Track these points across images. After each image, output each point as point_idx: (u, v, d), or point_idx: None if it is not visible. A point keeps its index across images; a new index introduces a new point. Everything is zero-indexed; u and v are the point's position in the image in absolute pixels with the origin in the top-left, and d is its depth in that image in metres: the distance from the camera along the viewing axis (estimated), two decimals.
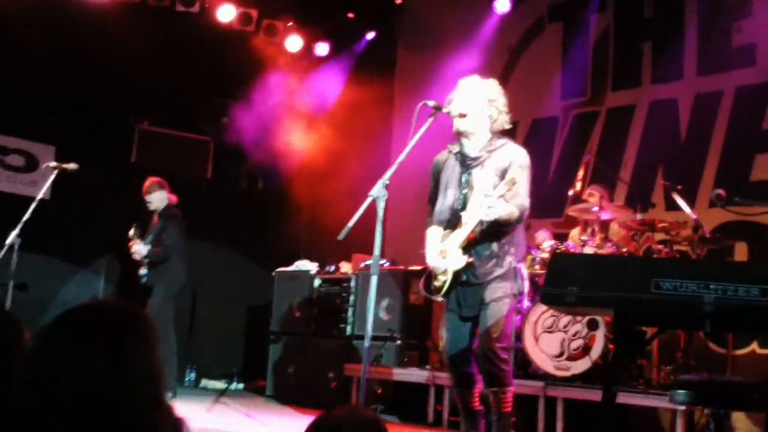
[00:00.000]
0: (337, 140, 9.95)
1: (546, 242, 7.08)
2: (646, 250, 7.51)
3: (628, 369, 6.22)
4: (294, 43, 10.38)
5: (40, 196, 6.82)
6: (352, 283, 8.48)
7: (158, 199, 8.07)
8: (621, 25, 8.84)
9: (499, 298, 4.60)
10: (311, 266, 9.03)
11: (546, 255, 6.83)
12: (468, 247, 4.60)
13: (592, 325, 6.36)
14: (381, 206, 4.08)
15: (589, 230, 7.23)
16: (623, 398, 5.68)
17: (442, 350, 7.10)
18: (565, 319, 6.48)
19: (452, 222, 4.69)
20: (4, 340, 2.16)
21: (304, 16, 10.34)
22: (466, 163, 4.73)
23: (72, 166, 7.01)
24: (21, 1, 8.59)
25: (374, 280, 4.07)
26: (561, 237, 7.64)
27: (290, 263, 9.21)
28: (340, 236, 4.09)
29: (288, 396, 8.49)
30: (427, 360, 7.88)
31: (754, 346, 7.24)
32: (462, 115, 4.65)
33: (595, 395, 5.71)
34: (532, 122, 9.27)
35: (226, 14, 9.82)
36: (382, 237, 4.15)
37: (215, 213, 9.83)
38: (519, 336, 6.54)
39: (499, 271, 4.61)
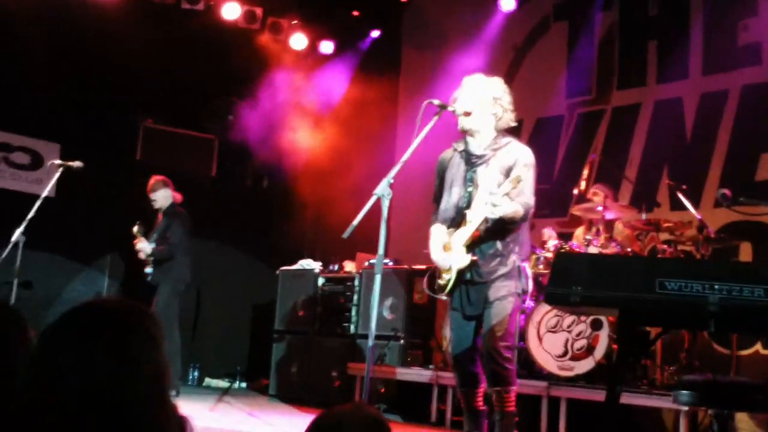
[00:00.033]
0: (341, 139, 9.95)
1: (550, 241, 7.06)
2: (650, 249, 7.50)
3: (632, 369, 6.21)
4: (299, 41, 10.37)
5: (45, 193, 6.83)
6: (356, 282, 8.48)
7: (163, 197, 8.08)
8: (626, 23, 8.82)
9: (504, 296, 4.60)
10: (315, 265, 9.03)
11: (550, 254, 6.82)
12: (472, 246, 4.59)
13: (596, 325, 6.35)
14: (385, 205, 4.08)
15: (594, 229, 7.22)
16: (627, 398, 5.66)
17: (445, 350, 7.12)
18: (568, 319, 6.47)
19: (457, 220, 4.69)
20: (8, 337, 2.16)
21: (309, 14, 10.33)
22: (471, 161, 4.73)
23: (77, 164, 7.02)
24: (26, 1, 8.60)
25: (378, 278, 4.07)
26: (566, 236, 7.62)
27: (295, 262, 9.21)
28: (345, 234, 4.09)
29: (291, 395, 8.49)
30: (430, 359, 7.88)
31: (758, 346, 7.22)
32: (467, 114, 4.65)
33: (599, 395, 5.70)
34: (537, 121, 9.26)
35: (231, 12, 9.82)
36: (386, 236, 4.15)
37: (219, 211, 9.83)
38: (522, 336, 6.52)
39: (503, 270, 4.60)
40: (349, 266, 8.92)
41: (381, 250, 4.11)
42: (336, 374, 8.17)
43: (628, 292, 2.66)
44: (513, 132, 4.93)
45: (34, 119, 9.18)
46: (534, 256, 6.81)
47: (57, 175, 7.09)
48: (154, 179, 8.12)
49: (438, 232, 4.80)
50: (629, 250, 6.95)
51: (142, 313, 1.65)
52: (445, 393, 7.03)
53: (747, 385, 3.50)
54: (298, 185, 10.18)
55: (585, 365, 6.34)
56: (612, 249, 6.79)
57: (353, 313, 8.41)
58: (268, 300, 9.38)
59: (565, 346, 6.47)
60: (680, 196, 6.82)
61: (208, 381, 9.94)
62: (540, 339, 6.59)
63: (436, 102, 4.48)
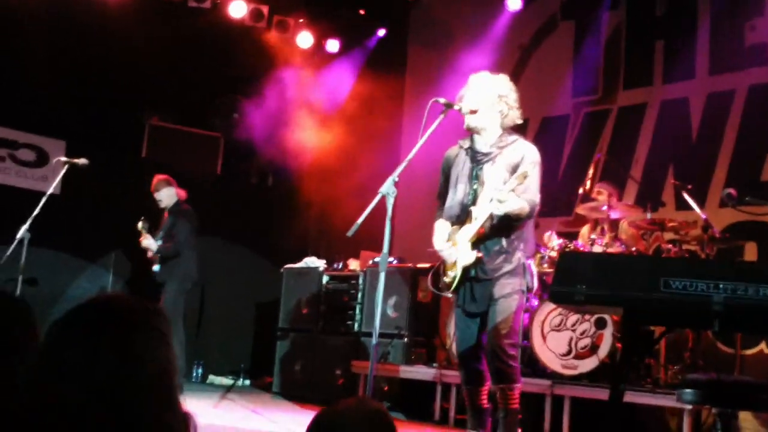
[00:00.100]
0: (347, 137, 9.95)
1: (554, 241, 7.05)
2: (655, 249, 7.49)
3: (636, 368, 6.21)
4: (305, 39, 10.38)
5: (50, 190, 6.84)
6: (360, 280, 8.47)
7: (167, 195, 8.08)
8: (633, 23, 8.81)
9: (508, 294, 4.60)
10: (319, 263, 9.03)
11: (554, 253, 6.82)
12: (477, 243, 4.60)
13: (600, 324, 6.35)
14: (390, 203, 4.09)
15: (599, 229, 7.22)
16: (630, 397, 5.67)
17: (449, 348, 7.12)
18: (573, 317, 6.47)
19: (461, 217, 4.69)
20: (14, 335, 2.15)
21: (315, 12, 10.34)
22: (476, 158, 4.73)
23: (82, 161, 7.03)
24: None
25: (382, 277, 4.07)
26: (570, 236, 7.62)
27: (299, 260, 9.21)
28: (350, 233, 4.10)
29: (294, 392, 8.49)
30: (434, 358, 7.88)
31: (762, 346, 7.21)
32: (473, 112, 4.65)
33: (602, 394, 5.70)
34: (543, 120, 9.25)
35: (238, 10, 9.83)
36: (390, 234, 4.15)
37: (224, 209, 9.83)
38: (527, 334, 6.53)
39: (508, 267, 4.61)
40: (354, 264, 8.92)
41: (385, 248, 4.11)
42: (340, 372, 8.17)
43: (632, 291, 2.66)
44: (519, 130, 4.94)
45: (39, 116, 9.20)
46: (539, 255, 6.81)
47: (62, 172, 7.10)
48: (156, 179, 8.11)
49: (442, 226, 4.80)
50: (634, 249, 6.95)
51: (147, 310, 1.63)
52: (448, 391, 7.02)
53: (751, 384, 3.50)
54: (303, 183, 10.19)
55: (589, 364, 6.34)
56: (617, 248, 6.79)
57: (357, 311, 8.41)
58: (272, 298, 9.38)
59: (569, 344, 6.47)
60: (685, 195, 6.81)
61: (211, 378, 9.95)
62: (544, 337, 6.59)
63: (442, 100, 4.49)
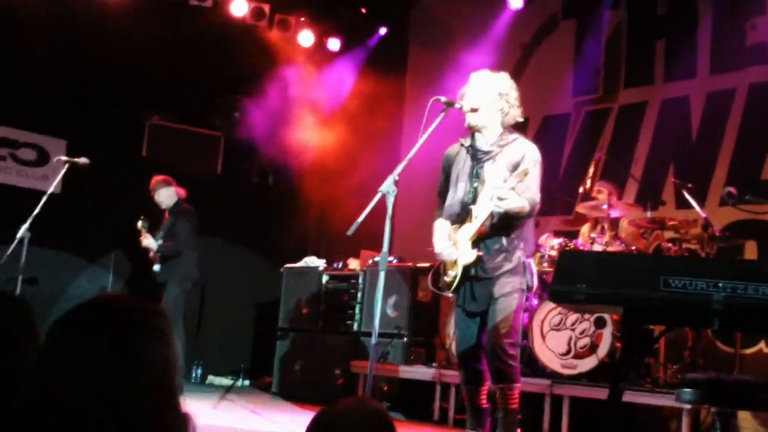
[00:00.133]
0: (347, 136, 9.94)
1: (554, 240, 7.05)
2: (655, 248, 7.49)
3: (636, 367, 6.21)
4: (306, 38, 10.38)
5: (50, 190, 6.84)
6: (360, 280, 8.47)
7: (166, 196, 8.07)
8: (634, 22, 8.81)
9: (508, 293, 4.60)
10: (319, 262, 9.02)
11: (554, 252, 6.81)
12: (478, 241, 4.59)
13: (599, 323, 6.35)
14: (390, 202, 4.09)
15: (599, 227, 7.22)
16: (629, 397, 5.66)
17: (449, 347, 7.12)
18: (572, 317, 6.46)
19: (462, 216, 4.69)
20: (14, 335, 2.15)
21: (316, 11, 10.33)
22: (477, 156, 4.72)
23: (83, 160, 7.03)
24: None
25: (382, 276, 4.07)
26: (571, 234, 7.62)
27: (299, 259, 9.21)
28: (349, 232, 4.10)
29: (294, 393, 8.48)
30: (433, 357, 7.87)
31: (761, 345, 7.21)
32: (473, 110, 4.65)
33: (602, 394, 5.70)
34: (544, 119, 9.25)
35: (239, 9, 9.83)
36: (390, 233, 4.15)
37: (224, 208, 9.83)
38: (526, 333, 6.52)
39: (508, 266, 4.60)
40: (353, 264, 8.91)
41: (385, 247, 4.11)
42: (339, 372, 8.17)
43: (632, 290, 2.66)
44: (520, 129, 4.93)
45: (40, 115, 9.19)
46: (538, 254, 6.81)
47: (63, 171, 7.10)
48: (154, 180, 8.08)
49: (442, 226, 4.80)
50: (634, 248, 6.95)
51: (148, 310, 1.62)
52: (448, 391, 7.02)
53: (750, 383, 3.50)
54: (303, 183, 10.19)
55: (588, 363, 6.34)
56: (617, 247, 6.78)
57: (357, 310, 8.41)
58: (272, 298, 9.38)
59: (569, 344, 6.46)
60: (686, 194, 6.81)
61: (211, 379, 9.94)
62: (543, 337, 6.58)
63: (443, 99, 4.49)
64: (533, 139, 5.81)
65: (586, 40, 9.12)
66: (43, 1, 8.65)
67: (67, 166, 7.07)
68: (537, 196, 4.59)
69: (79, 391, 1.38)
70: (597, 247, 6.75)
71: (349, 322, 8.42)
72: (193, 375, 9.86)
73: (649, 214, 6.92)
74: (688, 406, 5.46)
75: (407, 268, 8.09)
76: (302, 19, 10.30)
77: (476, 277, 4.63)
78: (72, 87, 9.00)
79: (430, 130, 4.33)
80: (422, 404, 7.28)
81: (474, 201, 4.64)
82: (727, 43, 8.01)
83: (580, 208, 7.37)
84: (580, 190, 7.32)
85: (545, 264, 6.84)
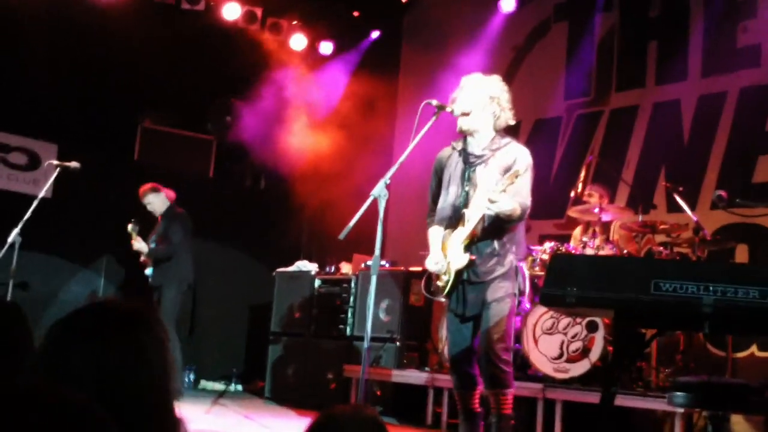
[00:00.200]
0: (340, 140, 9.93)
1: (546, 243, 7.06)
2: (647, 251, 7.50)
3: (628, 371, 6.21)
4: (299, 41, 10.38)
5: (41, 194, 6.82)
6: (352, 284, 8.46)
7: (158, 202, 8.05)
8: (626, 25, 8.82)
9: (501, 298, 4.59)
10: (311, 266, 9.02)
11: (546, 256, 6.82)
12: (470, 245, 4.59)
13: (592, 327, 6.35)
14: (382, 206, 4.08)
15: (591, 231, 7.23)
16: (622, 400, 5.66)
17: (441, 352, 7.12)
18: (564, 320, 6.47)
19: (453, 220, 4.68)
20: (14, 335, 2.17)
21: (308, 14, 10.33)
22: (469, 160, 4.71)
23: (74, 164, 7.01)
24: (25, 0, 8.59)
25: (374, 280, 4.06)
26: (562, 238, 7.63)
27: (291, 263, 9.20)
28: (341, 236, 4.09)
29: (287, 397, 8.47)
30: (426, 362, 7.87)
31: (753, 348, 7.22)
32: (465, 114, 4.65)
33: (594, 397, 5.68)
34: (536, 122, 9.25)
35: (231, 12, 9.82)
36: (382, 237, 4.15)
37: (216, 212, 9.81)
38: (518, 338, 6.52)
39: (500, 270, 4.60)
40: (346, 268, 8.91)
41: (377, 251, 4.11)
42: (332, 376, 8.16)
43: (622, 293, 2.66)
44: (511, 132, 4.93)
45: (31, 119, 9.16)
46: (530, 258, 6.82)
47: (54, 175, 7.07)
48: (142, 190, 8.05)
49: (437, 235, 4.78)
50: (625, 251, 6.96)
51: (148, 314, 1.66)
52: (441, 395, 7.01)
53: (742, 386, 3.50)
54: (295, 186, 10.17)
55: (580, 367, 6.34)
56: (608, 250, 6.79)
57: (349, 314, 8.40)
58: (265, 302, 9.37)
59: (561, 348, 6.46)
60: (677, 197, 6.82)
61: (203, 383, 9.90)
62: (536, 341, 6.58)
63: (435, 102, 4.49)
64: (525, 142, 5.82)
65: (578, 43, 9.13)
66: (33, 6, 8.62)
67: (58, 170, 7.04)
68: (528, 200, 4.59)
69: (79, 392, 1.40)
70: (588, 251, 6.75)
71: (342, 326, 8.41)
72: (186, 380, 9.82)
73: (640, 217, 6.93)
74: (681, 410, 5.46)
75: (399, 272, 8.08)
76: (294, 22, 10.30)
77: (468, 281, 4.62)
78: (63, 91, 8.98)
79: (421, 133, 4.33)
80: (415, 408, 7.27)
81: (466, 205, 4.63)
82: (719, 46, 8.02)
83: (572, 212, 7.39)
84: (572, 193, 7.33)
85: (537, 268, 6.85)
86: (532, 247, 7.01)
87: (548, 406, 6.26)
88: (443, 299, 4.82)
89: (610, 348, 6.12)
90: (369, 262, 7.82)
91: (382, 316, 7.92)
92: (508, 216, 4.47)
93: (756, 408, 3.61)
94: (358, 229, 4.10)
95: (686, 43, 8.24)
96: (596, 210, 6.99)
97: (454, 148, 4.84)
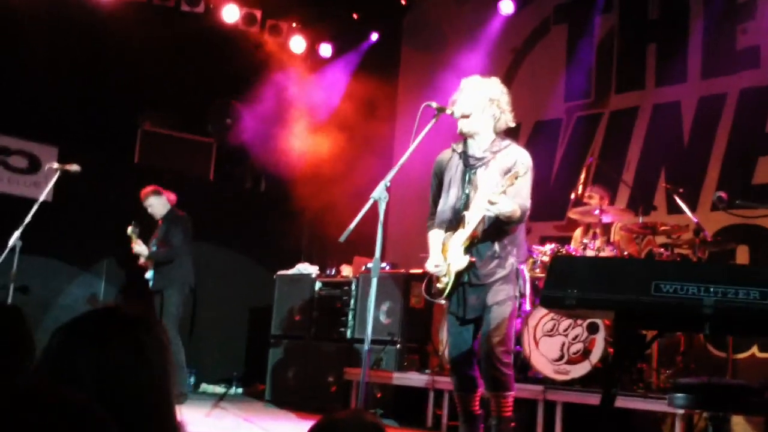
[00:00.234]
0: (340, 142, 9.93)
1: (546, 245, 7.06)
2: (647, 253, 7.50)
3: (628, 372, 6.21)
4: (298, 43, 10.38)
5: (42, 197, 6.82)
6: (353, 287, 8.45)
7: (159, 205, 8.07)
8: (626, 26, 8.82)
9: (502, 300, 4.59)
10: (312, 269, 9.01)
11: (547, 258, 6.82)
12: (470, 247, 4.59)
13: (592, 329, 6.35)
14: (382, 208, 4.08)
15: (591, 232, 7.23)
16: (622, 402, 5.66)
17: (442, 354, 7.11)
18: (565, 322, 6.46)
19: (454, 222, 4.68)
20: (16, 335, 2.18)
21: (308, 16, 10.33)
22: (470, 163, 4.72)
23: (74, 167, 7.02)
24: (25, 2, 8.60)
25: (374, 283, 4.07)
26: (563, 240, 7.63)
27: (292, 266, 9.19)
28: (341, 238, 4.10)
29: (287, 400, 8.46)
30: (427, 364, 7.86)
31: (754, 349, 7.21)
32: (465, 116, 4.65)
33: (595, 399, 5.67)
34: (536, 124, 9.25)
35: (231, 15, 9.82)
36: (383, 240, 4.15)
37: (217, 215, 9.81)
38: (519, 339, 6.52)
39: (501, 273, 4.60)
40: (346, 270, 8.90)
41: (377, 253, 4.11)
42: (332, 379, 8.15)
43: (623, 295, 2.66)
44: (511, 134, 4.94)
45: (31, 122, 9.17)
46: (531, 260, 6.81)
47: (54, 178, 7.08)
48: (144, 192, 8.07)
49: (437, 239, 4.78)
50: (626, 253, 6.96)
51: (151, 318, 1.68)
52: (441, 397, 7.00)
53: (742, 387, 3.50)
54: (295, 188, 10.16)
55: (581, 369, 6.33)
56: (609, 252, 6.79)
57: (350, 317, 8.39)
58: (265, 304, 9.36)
59: (562, 349, 6.46)
60: (677, 199, 6.82)
61: (204, 386, 9.89)
62: (536, 343, 6.58)
63: (434, 105, 4.49)
64: (525, 144, 5.84)
65: (577, 45, 9.13)
66: (33, 7, 8.62)
67: (58, 173, 7.05)
68: (528, 202, 4.59)
69: (80, 392, 1.40)
70: (589, 253, 6.75)
71: (342, 328, 8.40)
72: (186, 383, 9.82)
73: (641, 219, 6.93)
74: (681, 411, 5.46)
75: (400, 274, 8.08)
76: (294, 24, 10.30)
77: (469, 283, 4.62)
78: (64, 93, 8.98)
79: (421, 135, 4.33)
80: (415, 411, 7.26)
81: (466, 207, 4.63)
82: (719, 47, 8.02)
83: (572, 214, 7.39)
84: (572, 195, 7.33)
85: (537, 270, 6.85)
86: (535, 246, 7.02)
87: (549, 407, 6.26)
88: (443, 301, 4.82)
89: (611, 349, 6.12)
90: (369, 265, 7.81)
91: (382, 318, 7.91)
92: (507, 217, 4.47)
93: (756, 409, 3.60)
94: (358, 231, 4.10)
95: (686, 44, 8.24)
96: (597, 212, 6.99)
97: (454, 151, 4.84)
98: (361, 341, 7.76)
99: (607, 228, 7.31)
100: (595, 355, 6.28)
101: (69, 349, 1.55)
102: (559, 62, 9.28)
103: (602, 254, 6.71)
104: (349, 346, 8.25)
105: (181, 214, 8.12)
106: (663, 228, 6.81)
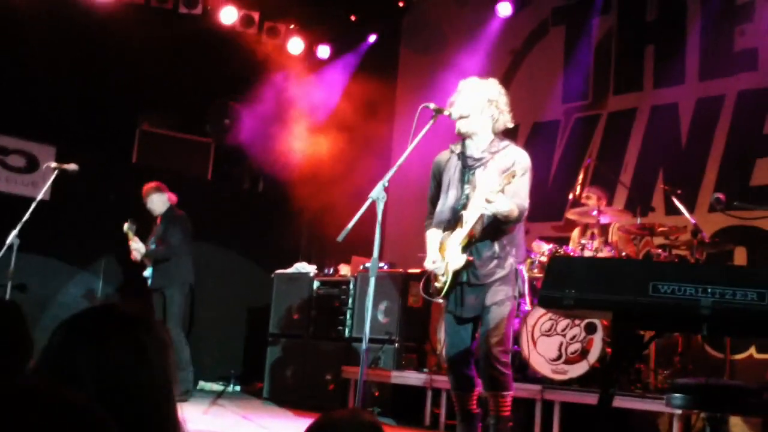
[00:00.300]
0: (338, 142, 9.94)
1: (544, 246, 7.07)
2: (645, 254, 7.51)
3: (626, 373, 6.22)
4: (296, 45, 10.39)
5: (40, 196, 6.82)
6: (351, 286, 8.46)
7: (159, 202, 8.08)
8: (624, 28, 8.83)
9: (501, 301, 4.60)
10: (310, 268, 9.02)
11: (545, 259, 6.83)
12: (468, 246, 4.60)
13: (590, 329, 6.36)
14: (380, 208, 4.09)
15: (589, 233, 7.25)
16: (620, 402, 5.67)
17: (439, 353, 7.12)
18: (563, 322, 6.48)
19: (452, 222, 4.69)
20: (16, 335, 2.18)
21: (306, 18, 10.33)
22: (468, 163, 4.73)
23: (72, 167, 7.02)
24: (24, 2, 8.60)
25: (372, 282, 4.07)
26: (561, 240, 7.64)
27: (290, 265, 9.20)
28: (339, 238, 4.10)
29: (285, 398, 8.47)
30: (425, 363, 7.87)
31: (752, 350, 7.22)
32: (463, 117, 4.66)
33: (592, 399, 5.68)
34: (534, 125, 9.26)
35: (229, 16, 9.82)
36: (381, 239, 4.16)
37: (215, 214, 9.82)
38: (517, 339, 6.53)
39: (501, 273, 4.61)
40: (344, 269, 8.91)
41: (375, 253, 4.12)
42: (330, 378, 8.16)
43: (621, 296, 2.67)
44: (509, 135, 4.95)
45: (30, 122, 9.17)
46: (529, 260, 6.82)
47: (52, 178, 7.08)
48: (146, 187, 8.10)
49: (435, 238, 4.79)
50: (624, 254, 6.97)
51: (152, 318, 1.68)
52: (439, 396, 7.02)
53: (740, 388, 3.51)
54: (294, 188, 10.17)
55: (579, 369, 6.34)
56: (606, 253, 6.80)
57: (348, 316, 8.40)
58: (263, 303, 9.37)
59: (560, 349, 6.47)
60: (675, 200, 6.84)
61: (202, 384, 9.89)
62: (534, 342, 6.59)
63: (432, 106, 4.50)
64: (523, 145, 5.83)
65: (575, 47, 9.14)
66: (32, 8, 8.63)
67: (56, 172, 7.05)
68: (526, 202, 4.60)
69: (80, 392, 1.41)
70: (587, 253, 6.76)
71: (340, 327, 8.42)
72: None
73: (638, 219, 6.94)
74: (679, 411, 5.47)
75: (398, 273, 8.09)
76: (292, 26, 10.30)
77: (468, 283, 4.63)
78: (62, 93, 8.99)
79: (419, 136, 4.34)
80: (413, 410, 7.27)
81: (465, 207, 4.64)
82: (716, 49, 8.04)
83: (570, 214, 7.40)
84: (570, 196, 7.34)
85: (536, 270, 6.86)
86: (535, 243, 7.03)
87: (546, 407, 6.27)
88: (441, 300, 4.83)
89: (609, 350, 6.13)
90: (367, 264, 7.78)
91: (380, 317, 7.93)
92: (505, 216, 4.48)
93: (754, 410, 3.62)
94: (356, 231, 4.11)
95: (684, 46, 8.25)
96: (594, 212, 7.00)
97: (452, 152, 4.85)
98: (359, 340, 7.76)
99: (605, 229, 7.33)
100: (593, 355, 6.30)
101: (69, 348, 1.55)
102: (557, 64, 9.29)
103: (600, 255, 6.72)
104: (347, 344, 8.26)
105: (180, 213, 8.13)
106: (661, 229, 6.82)
